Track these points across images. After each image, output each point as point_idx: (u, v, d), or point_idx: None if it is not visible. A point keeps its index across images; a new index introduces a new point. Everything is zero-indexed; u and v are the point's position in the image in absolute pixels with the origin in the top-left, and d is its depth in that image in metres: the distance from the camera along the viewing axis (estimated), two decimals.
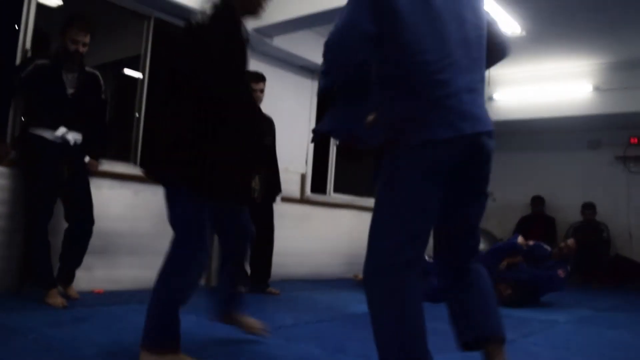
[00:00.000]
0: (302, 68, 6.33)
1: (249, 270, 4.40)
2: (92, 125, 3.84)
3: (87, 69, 3.81)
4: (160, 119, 2.39)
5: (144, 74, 4.84)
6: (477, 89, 1.83)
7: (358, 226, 6.44)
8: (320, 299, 4.69)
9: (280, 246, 5.16)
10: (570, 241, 5.21)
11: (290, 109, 6.11)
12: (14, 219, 3.75)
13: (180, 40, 2.40)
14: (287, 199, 5.83)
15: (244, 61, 2.35)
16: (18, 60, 3.95)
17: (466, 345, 1.94)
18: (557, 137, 8.49)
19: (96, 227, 3.83)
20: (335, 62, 1.83)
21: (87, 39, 3.68)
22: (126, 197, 4.49)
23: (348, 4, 1.80)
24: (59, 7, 4.63)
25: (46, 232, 3.57)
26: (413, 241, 1.78)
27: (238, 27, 2.30)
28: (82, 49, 3.67)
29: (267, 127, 4.82)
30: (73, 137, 3.67)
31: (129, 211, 4.48)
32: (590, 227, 7.89)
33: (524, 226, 8.07)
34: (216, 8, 2.30)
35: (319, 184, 6.77)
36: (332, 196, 6.93)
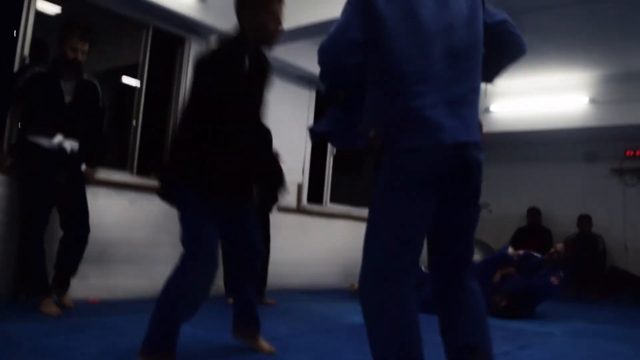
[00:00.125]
0: (300, 78, 6.35)
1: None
2: (89, 133, 3.84)
3: (85, 76, 3.81)
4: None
5: (141, 82, 4.85)
6: (463, 101, 1.84)
7: (354, 236, 6.41)
8: (316, 310, 4.68)
9: (277, 256, 5.15)
10: (560, 246, 5.22)
11: (288, 119, 6.11)
12: (10, 226, 3.74)
13: (195, 64, 2.55)
14: (284, 209, 5.83)
15: (242, 83, 2.50)
16: (16, 68, 3.95)
17: (455, 354, 1.91)
18: (554, 149, 8.51)
19: (92, 236, 3.81)
20: (325, 66, 1.91)
21: (86, 47, 3.68)
22: (122, 206, 4.48)
23: (342, 12, 1.87)
24: (58, 15, 4.64)
25: (42, 240, 3.55)
26: (405, 246, 1.79)
27: (238, 58, 2.45)
28: (81, 57, 3.67)
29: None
30: (70, 144, 3.67)
31: (125, 220, 4.47)
32: (586, 239, 7.88)
33: (520, 238, 8.06)
34: (221, 42, 2.52)
35: (315, 194, 6.78)
36: (329, 206, 6.93)
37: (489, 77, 2.13)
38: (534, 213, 8.40)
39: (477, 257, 2.82)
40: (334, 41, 1.85)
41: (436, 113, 1.77)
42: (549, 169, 8.56)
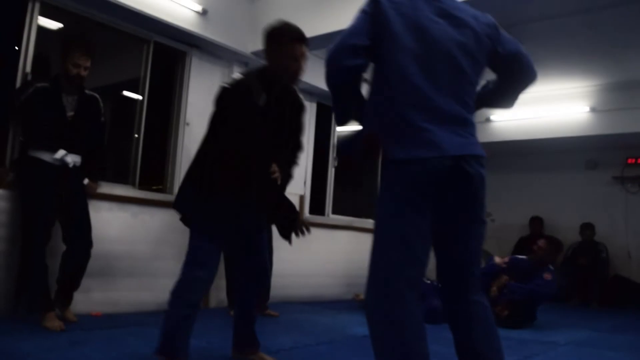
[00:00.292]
0: (302, 91, 6.34)
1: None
2: (91, 147, 3.86)
3: (87, 92, 3.83)
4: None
5: (143, 96, 4.87)
6: (465, 117, 1.87)
7: (357, 247, 6.41)
8: (320, 321, 4.66)
9: (279, 268, 5.14)
10: (541, 241, 5.25)
11: None
12: (12, 241, 3.74)
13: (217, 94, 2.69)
14: None
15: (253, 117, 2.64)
16: (18, 83, 3.98)
17: None
18: (555, 157, 8.52)
19: (94, 250, 3.82)
20: (328, 69, 1.93)
21: (88, 63, 3.70)
22: (125, 220, 4.48)
23: (354, 19, 1.92)
24: (60, 30, 4.67)
25: (44, 254, 3.56)
26: (410, 259, 1.80)
27: (253, 93, 2.61)
28: (83, 73, 3.69)
29: None
30: (72, 159, 3.68)
31: (127, 233, 4.47)
32: (589, 248, 7.87)
33: (523, 247, 8.05)
34: (243, 75, 2.71)
35: (317, 205, 6.77)
36: (331, 217, 6.92)
37: (508, 104, 2.17)
38: (536, 222, 8.40)
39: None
40: (337, 45, 1.89)
41: (440, 126, 1.80)
42: (551, 178, 8.56)
